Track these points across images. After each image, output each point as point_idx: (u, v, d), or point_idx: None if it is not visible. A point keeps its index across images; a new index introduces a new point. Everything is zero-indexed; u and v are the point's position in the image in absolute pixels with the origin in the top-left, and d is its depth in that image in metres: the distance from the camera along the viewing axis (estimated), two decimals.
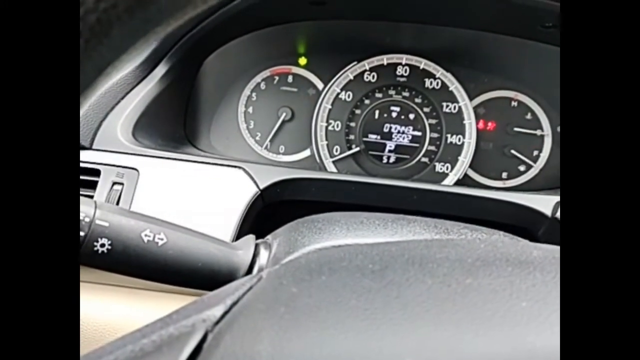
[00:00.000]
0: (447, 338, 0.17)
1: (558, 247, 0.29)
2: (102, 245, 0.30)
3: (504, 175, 0.69)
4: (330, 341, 0.18)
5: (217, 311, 0.22)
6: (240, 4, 0.55)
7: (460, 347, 0.17)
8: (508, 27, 0.61)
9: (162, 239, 0.32)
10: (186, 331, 0.21)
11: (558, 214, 0.48)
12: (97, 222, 0.30)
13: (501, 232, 0.38)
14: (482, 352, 0.17)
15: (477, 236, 0.34)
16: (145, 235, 0.31)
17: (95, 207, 0.30)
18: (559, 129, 0.68)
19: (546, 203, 0.49)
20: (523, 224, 0.53)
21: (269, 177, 0.50)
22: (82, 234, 0.30)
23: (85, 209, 0.30)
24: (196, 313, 0.22)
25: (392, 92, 0.68)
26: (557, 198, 0.50)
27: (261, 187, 0.49)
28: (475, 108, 0.68)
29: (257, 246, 0.36)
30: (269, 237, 0.39)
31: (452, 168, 0.67)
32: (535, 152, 0.69)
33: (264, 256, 0.36)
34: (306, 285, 0.24)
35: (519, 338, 0.18)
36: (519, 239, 0.36)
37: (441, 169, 0.67)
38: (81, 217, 0.30)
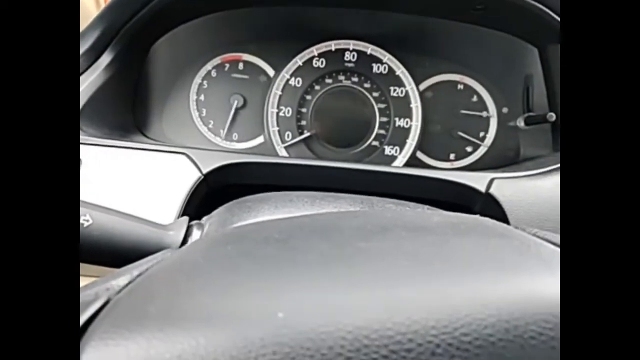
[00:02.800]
0: (318, 294, 0.19)
1: (464, 214, 0.30)
2: None
3: (452, 156, 0.71)
4: (215, 301, 0.19)
5: (122, 281, 0.23)
6: None
7: (330, 301, 0.19)
8: (447, 10, 0.63)
9: (87, 221, 0.32)
10: (88, 299, 0.22)
11: (492, 190, 0.51)
12: None
13: (425, 206, 0.40)
14: (351, 306, 0.18)
15: (388, 207, 0.36)
16: None
17: None
18: (504, 110, 0.70)
19: (481, 180, 0.52)
20: (462, 201, 0.55)
21: (212, 162, 0.51)
22: None
23: None
24: (102, 283, 0.23)
25: (341, 77, 0.69)
26: (492, 175, 0.52)
27: (204, 171, 0.50)
28: (422, 92, 0.70)
29: (190, 227, 0.37)
30: (204, 218, 0.40)
31: (401, 150, 0.69)
32: (482, 134, 0.71)
33: (196, 236, 0.37)
34: (210, 255, 0.25)
35: (392, 294, 0.19)
36: (439, 210, 0.38)
37: (390, 151, 0.69)
38: None
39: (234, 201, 0.41)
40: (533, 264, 0.21)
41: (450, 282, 0.19)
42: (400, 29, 0.68)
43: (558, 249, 0.23)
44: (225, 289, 0.20)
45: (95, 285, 0.23)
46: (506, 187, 0.51)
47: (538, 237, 0.25)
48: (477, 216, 0.29)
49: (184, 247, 0.28)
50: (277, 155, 0.69)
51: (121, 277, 0.23)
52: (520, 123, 0.67)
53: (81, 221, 0.32)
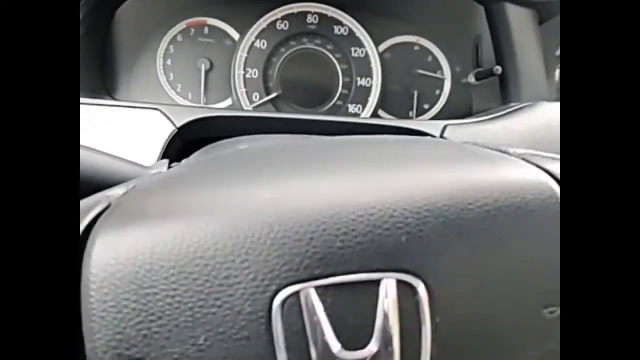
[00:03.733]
0: (298, 182, 0.22)
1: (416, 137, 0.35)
2: None
3: (411, 114, 0.76)
4: (207, 194, 0.23)
5: (120, 190, 0.26)
6: None
7: (308, 188, 0.22)
8: None
9: None
10: (90, 204, 0.24)
11: (445, 134, 0.56)
12: None
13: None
14: (325, 190, 0.22)
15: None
16: None
17: None
18: (457, 69, 0.76)
19: (436, 127, 0.56)
20: None
21: (184, 116, 0.53)
22: None
23: None
24: (101, 195, 0.26)
25: (305, 40, 0.72)
26: (445, 122, 0.57)
27: (178, 125, 0.52)
28: (382, 53, 0.74)
29: (170, 168, 0.40)
30: (183, 161, 0.43)
31: (364, 109, 0.73)
32: (438, 92, 0.76)
33: None
34: (196, 167, 0.28)
35: (361, 180, 0.23)
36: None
37: (354, 110, 0.73)
38: None
39: (210, 145, 0.44)
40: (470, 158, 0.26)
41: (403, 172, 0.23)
42: None
43: (500, 153, 0.27)
44: (214, 185, 0.24)
45: (94, 196, 0.26)
46: (458, 132, 0.56)
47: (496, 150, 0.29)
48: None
49: (175, 167, 0.31)
50: None
51: (119, 189, 0.26)
52: (472, 79, 0.72)
53: None
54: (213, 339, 0.19)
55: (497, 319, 0.21)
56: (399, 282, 0.19)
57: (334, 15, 0.72)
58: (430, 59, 0.76)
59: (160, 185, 0.25)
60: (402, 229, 0.20)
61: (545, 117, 0.55)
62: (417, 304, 0.20)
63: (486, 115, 0.59)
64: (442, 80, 0.76)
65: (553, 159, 0.26)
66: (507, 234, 0.22)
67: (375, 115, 0.74)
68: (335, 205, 0.20)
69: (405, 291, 0.19)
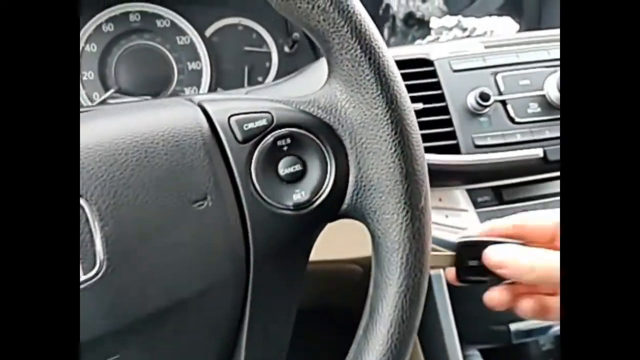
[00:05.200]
0: None
1: None
2: None
3: (246, 86, 0.85)
4: None
5: None
6: None
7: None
8: None
9: None
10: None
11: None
12: None
13: None
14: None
15: None
16: None
17: None
18: (279, 40, 0.85)
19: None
20: None
21: None
22: None
23: None
24: None
25: (134, 36, 0.80)
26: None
27: None
28: (210, 37, 0.83)
29: None
30: None
31: (199, 89, 0.82)
32: (267, 64, 0.86)
33: None
34: None
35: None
36: None
37: (190, 92, 0.82)
38: None
39: None
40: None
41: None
42: None
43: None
44: None
45: None
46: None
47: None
48: None
49: None
50: None
51: None
52: (286, 49, 0.82)
53: None
54: None
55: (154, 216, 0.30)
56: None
57: (155, 11, 0.80)
58: (254, 36, 0.85)
59: None
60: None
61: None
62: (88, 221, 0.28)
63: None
64: (269, 54, 0.85)
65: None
66: (157, 157, 0.31)
67: (211, 93, 0.82)
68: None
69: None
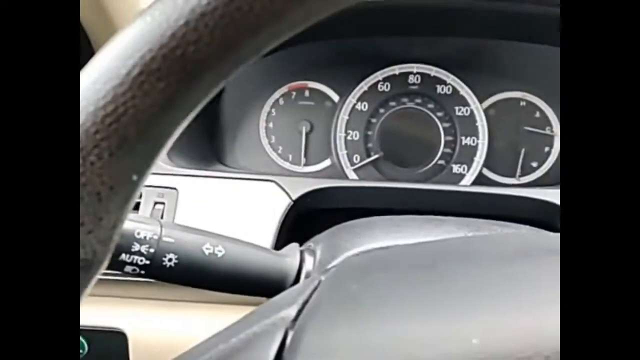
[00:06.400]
0: (503, 319, 0.20)
1: None
2: (170, 260, 0.33)
3: (518, 172, 0.72)
4: (399, 329, 0.21)
5: (292, 310, 0.25)
6: None
7: (514, 324, 0.20)
8: (507, 32, 0.64)
9: (220, 251, 0.35)
10: (269, 329, 0.24)
11: None
12: (164, 239, 0.33)
13: (527, 227, 0.41)
14: (531, 328, 0.20)
15: (506, 232, 0.37)
16: (206, 249, 0.34)
17: (161, 226, 0.34)
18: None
19: (555, 194, 0.52)
20: (540, 217, 0.56)
21: (299, 188, 0.53)
22: (151, 250, 0.33)
23: (152, 227, 0.34)
24: (274, 313, 0.25)
25: (405, 99, 0.71)
26: None
27: (293, 198, 0.52)
28: (486, 110, 0.72)
29: (301, 253, 0.40)
30: (310, 244, 0.42)
31: (469, 169, 0.70)
32: (547, 149, 0.72)
33: (309, 262, 0.39)
34: (365, 283, 0.27)
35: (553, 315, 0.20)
36: (544, 231, 0.39)
37: (458, 170, 0.71)
38: (149, 236, 0.33)
39: (337, 227, 0.43)
40: None
41: None
42: (462, 51, 0.70)
43: None
44: (403, 317, 0.22)
45: (266, 314, 0.25)
46: None
47: None
48: None
49: (329, 275, 0.30)
50: (346, 177, 0.71)
51: (290, 308, 0.26)
52: None
53: (215, 252, 0.35)
54: None
55: None
56: None
57: (437, 75, 0.71)
58: (537, 114, 0.72)
59: (336, 313, 0.24)
60: None
61: None
62: None
63: None
64: (552, 137, 0.71)
65: None
66: None
67: (480, 174, 0.70)
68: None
69: None
